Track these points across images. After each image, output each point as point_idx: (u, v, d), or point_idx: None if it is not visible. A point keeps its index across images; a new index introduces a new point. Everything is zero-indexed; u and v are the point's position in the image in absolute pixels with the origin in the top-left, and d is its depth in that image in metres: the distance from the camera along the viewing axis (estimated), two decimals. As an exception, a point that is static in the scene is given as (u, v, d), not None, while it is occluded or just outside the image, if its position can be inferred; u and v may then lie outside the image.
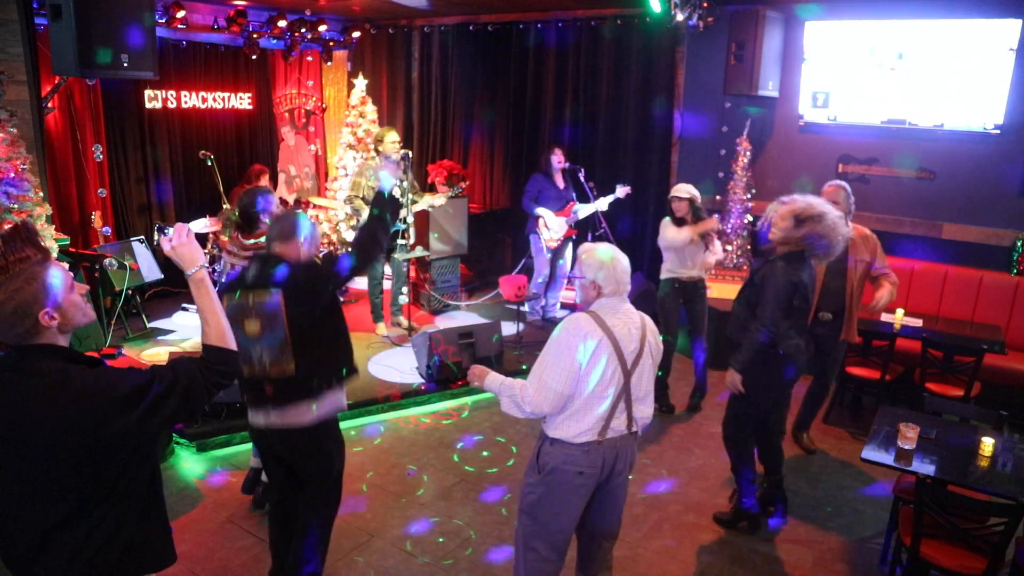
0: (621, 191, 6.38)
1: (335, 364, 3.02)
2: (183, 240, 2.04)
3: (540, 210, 6.50)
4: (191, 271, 2.04)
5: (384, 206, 3.17)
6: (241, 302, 2.86)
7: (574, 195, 6.64)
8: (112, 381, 1.85)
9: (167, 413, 1.87)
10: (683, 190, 5.10)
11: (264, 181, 7.40)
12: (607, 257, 2.73)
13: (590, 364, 2.63)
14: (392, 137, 6.20)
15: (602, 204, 6.41)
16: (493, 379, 2.81)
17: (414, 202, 6.25)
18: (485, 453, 4.78)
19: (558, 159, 6.51)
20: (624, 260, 2.77)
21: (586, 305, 2.77)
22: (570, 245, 6.74)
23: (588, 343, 2.62)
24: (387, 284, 6.68)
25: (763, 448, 4.04)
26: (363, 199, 6.12)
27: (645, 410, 2.79)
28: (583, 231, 6.60)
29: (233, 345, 2.05)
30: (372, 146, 6.46)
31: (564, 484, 2.72)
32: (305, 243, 3.01)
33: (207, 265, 2.09)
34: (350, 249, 3.09)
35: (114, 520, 1.91)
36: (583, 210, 6.49)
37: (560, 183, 6.58)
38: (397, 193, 6.50)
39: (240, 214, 4.29)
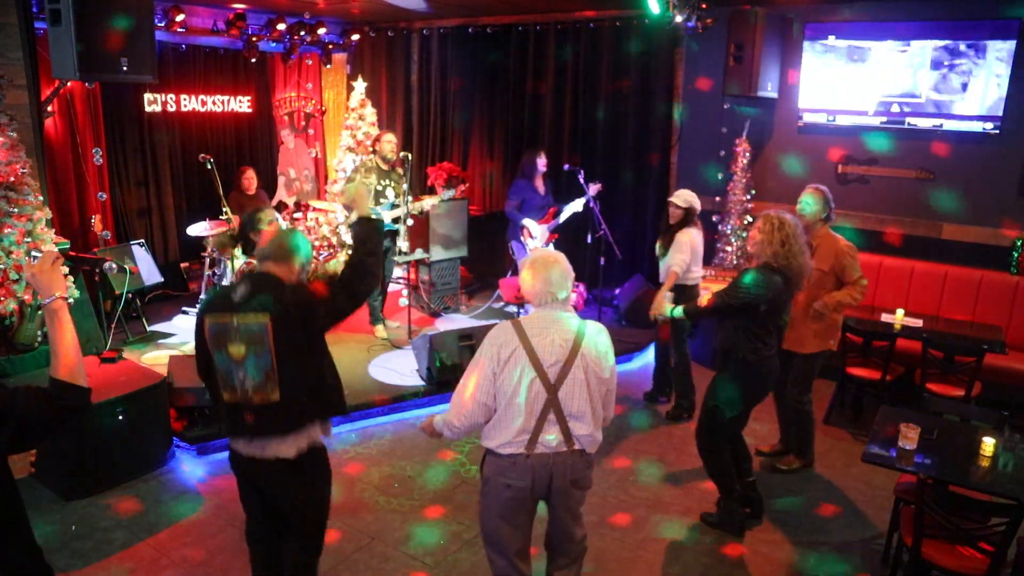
0: (592, 189, 6.24)
1: (322, 396, 2.82)
2: (44, 268, 2.03)
3: (526, 220, 6.49)
4: (46, 300, 2.00)
5: (374, 238, 2.94)
6: (226, 323, 2.66)
7: (552, 199, 6.65)
8: None
9: None
10: (680, 197, 5.02)
11: (248, 179, 7.39)
12: (532, 267, 2.68)
13: (503, 374, 2.59)
14: (389, 138, 6.21)
15: (577, 205, 6.40)
16: (436, 419, 2.81)
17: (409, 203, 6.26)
18: (486, 455, 4.78)
19: (543, 162, 6.50)
20: (554, 270, 2.64)
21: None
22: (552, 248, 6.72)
23: (502, 352, 2.59)
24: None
25: (733, 452, 4.02)
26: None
27: (584, 428, 2.65)
28: (583, 232, 6.58)
29: (82, 382, 2.00)
30: (371, 147, 6.43)
31: (495, 496, 2.71)
32: (300, 265, 2.83)
33: (66, 296, 2.05)
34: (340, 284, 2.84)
35: None
36: (564, 212, 6.50)
37: (541, 189, 6.59)
38: (391, 195, 6.46)
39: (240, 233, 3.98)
